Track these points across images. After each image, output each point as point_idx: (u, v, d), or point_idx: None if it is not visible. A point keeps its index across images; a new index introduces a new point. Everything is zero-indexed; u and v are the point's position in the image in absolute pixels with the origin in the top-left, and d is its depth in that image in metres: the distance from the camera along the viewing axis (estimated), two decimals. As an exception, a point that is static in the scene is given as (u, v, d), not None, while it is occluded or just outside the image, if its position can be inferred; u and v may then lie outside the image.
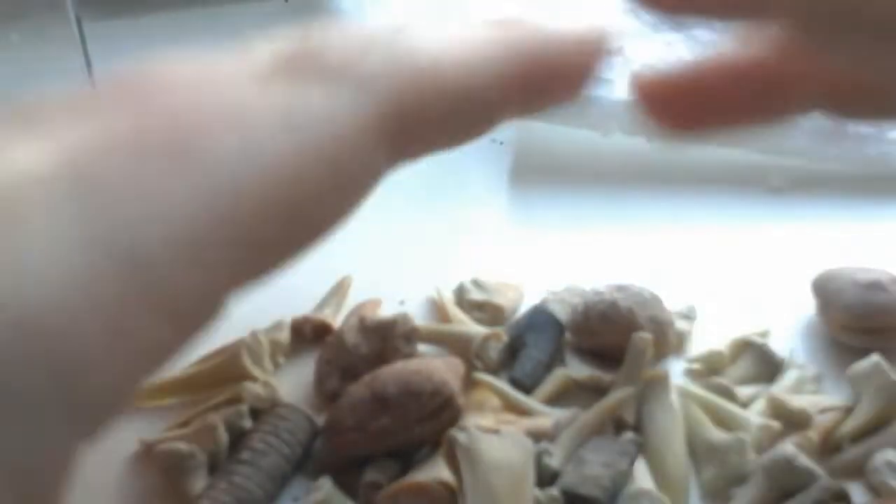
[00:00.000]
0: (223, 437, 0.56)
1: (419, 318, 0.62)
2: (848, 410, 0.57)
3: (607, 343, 0.60)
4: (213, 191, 0.28)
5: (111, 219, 0.27)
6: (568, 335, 0.62)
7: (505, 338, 0.61)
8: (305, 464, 0.56)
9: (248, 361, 0.60)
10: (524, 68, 0.35)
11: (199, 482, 0.55)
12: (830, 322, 0.62)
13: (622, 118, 0.75)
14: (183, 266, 0.27)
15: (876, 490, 0.54)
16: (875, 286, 0.61)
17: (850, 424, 0.56)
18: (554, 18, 0.37)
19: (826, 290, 0.62)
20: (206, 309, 0.29)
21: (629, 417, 0.57)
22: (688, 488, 0.54)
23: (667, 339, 0.60)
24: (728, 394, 0.58)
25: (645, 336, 0.58)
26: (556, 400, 0.59)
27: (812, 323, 0.63)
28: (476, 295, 0.65)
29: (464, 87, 0.33)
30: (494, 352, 0.61)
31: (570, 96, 0.37)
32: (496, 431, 0.53)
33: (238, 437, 0.57)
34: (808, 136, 0.74)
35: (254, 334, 0.61)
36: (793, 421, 0.56)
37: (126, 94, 0.31)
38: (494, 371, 0.60)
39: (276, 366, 0.62)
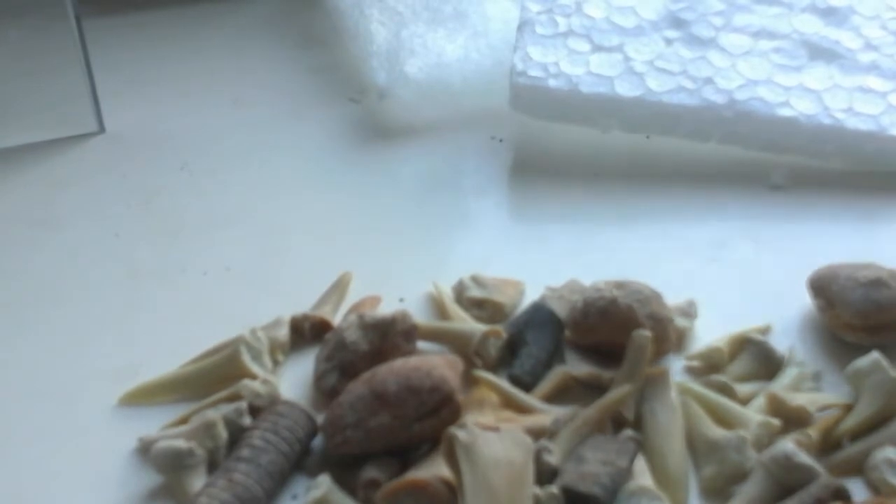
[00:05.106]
0: (222, 434, 0.56)
1: (419, 314, 0.62)
2: (847, 408, 0.57)
3: (607, 340, 0.60)
4: None
5: None
6: (567, 332, 0.62)
7: (504, 335, 0.61)
8: (305, 461, 0.56)
9: (247, 359, 0.60)
10: None
11: (198, 479, 0.55)
12: (834, 321, 0.61)
13: (622, 115, 0.75)
14: None
15: (875, 487, 0.54)
16: (877, 283, 0.61)
17: (850, 422, 0.56)
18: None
19: (828, 290, 0.62)
20: None
21: (629, 415, 0.56)
22: (687, 485, 0.54)
23: (667, 337, 0.60)
24: (728, 391, 0.58)
25: (645, 333, 0.58)
26: (555, 397, 0.59)
27: (812, 320, 0.63)
28: (475, 292, 0.65)
29: None
30: (494, 349, 0.61)
31: None
32: (496, 429, 0.53)
33: (237, 435, 0.56)
34: (808, 134, 0.74)
35: (253, 332, 0.61)
36: (792, 418, 0.56)
37: None
38: (494, 368, 0.60)
39: (276, 363, 0.62)
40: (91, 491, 0.56)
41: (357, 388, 0.56)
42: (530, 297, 0.65)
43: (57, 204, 0.76)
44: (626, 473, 0.53)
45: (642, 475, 0.54)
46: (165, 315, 0.66)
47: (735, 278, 0.67)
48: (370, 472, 0.54)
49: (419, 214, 0.74)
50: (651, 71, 0.76)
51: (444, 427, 0.53)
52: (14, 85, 0.81)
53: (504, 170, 0.77)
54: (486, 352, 0.61)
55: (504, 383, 0.59)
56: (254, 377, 0.59)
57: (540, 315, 0.62)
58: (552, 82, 0.75)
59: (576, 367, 0.60)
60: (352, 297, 0.66)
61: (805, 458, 0.53)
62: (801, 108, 0.74)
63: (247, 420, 0.57)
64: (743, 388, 0.59)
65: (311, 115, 0.83)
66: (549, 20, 0.78)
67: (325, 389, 0.59)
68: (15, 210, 0.76)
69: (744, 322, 0.62)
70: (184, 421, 0.58)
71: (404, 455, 0.55)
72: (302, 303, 0.65)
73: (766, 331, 0.62)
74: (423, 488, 0.52)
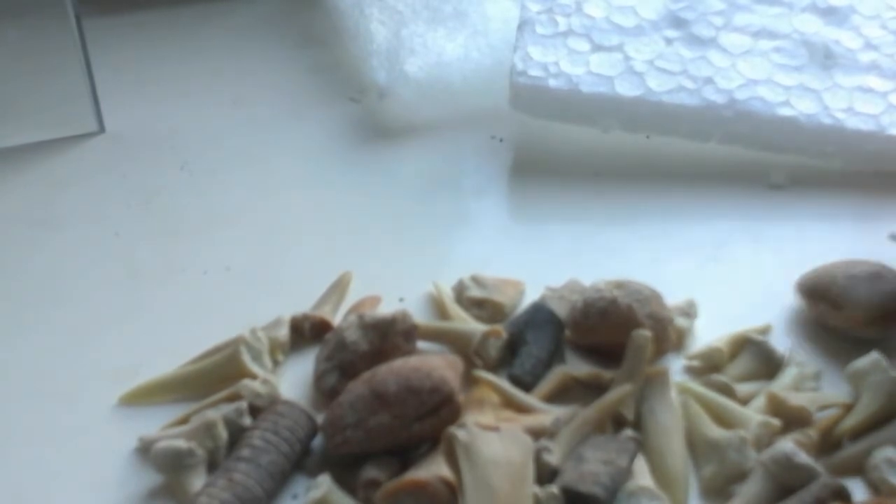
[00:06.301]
0: (222, 434, 0.56)
1: (419, 314, 0.62)
2: (847, 407, 0.57)
3: (607, 340, 0.60)
4: None
5: None
6: (567, 332, 0.62)
7: (504, 335, 0.61)
8: (305, 461, 0.56)
9: (247, 359, 0.60)
10: None
11: (198, 479, 0.55)
12: (846, 321, 0.61)
13: (622, 115, 0.75)
14: None
15: (876, 487, 0.54)
16: (877, 277, 0.61)
17: (850, 421, 0.56)
18: None
19: (829, 293, 0.62)
20: None
21: (629, 415, 0.56)
22: (687, 485, 0.54)
23: (666, 336, 0.60)
24: (728, 391, 0.58)
25: (645, 333, 0.58)
26: (555, 397, 0.59)
27: (812, 320, 0.63)
28: (475, 292, 0.65)
29: None
30: (494, 349, 0.61)
31: None
32: (496, 429, 0.53)
33: (237, 435, 0.56)
34: (808, 134, 0.74)
35: (253, 332, 0.61)
36: (792, 418, 0.56)
37: None
38: (494, 368, 0.60)
39: (276, 363, 0.62)
40: (91, 491, 0.56)
41: (357, 388, 0.56)
42: (530, 297, 0.65)
43: (57, 204, 0.76)
44: (626, 473, 0.53)
45: (642, 475, 0.54)
46: (165, 315, 0.66)
47: (735, 278, 0.67)
48: (370, 472, 0.54)
49: (419, 214, 0.74)
50: (651, 70, 0.76)
51: (443, 427, 0.53)
52: (14, 85, 0.81)
53: (504, 170, 0.77)
54: (487, 352, 0.61)
55: (504, 383, 0.59)
56: (254, 377, 0.59)
57: (540, 315, 0.62)
58: (552, 82, 0.75)
59: (576, 367, 0.60)
60: (352, 297, 0.66)
61: (805, 458, 0.53)
62: (801, 107, 0.74)
63: (247, 420, 0.57)
64: (743, 388, 0.59)
65: (311, 115, 0.83)
66: (549, 20, 0.78)
67: (325, 389, 0.59)
68: (15, 210, 0.76)
69: (744, 322, 0.62)
70: (184, 421, 0.58)
71: (404, 455, 0.55)
72: (302, 303, 0.65)
73: (766, 331, 0.62)
74: (423, 488, 0.52)
